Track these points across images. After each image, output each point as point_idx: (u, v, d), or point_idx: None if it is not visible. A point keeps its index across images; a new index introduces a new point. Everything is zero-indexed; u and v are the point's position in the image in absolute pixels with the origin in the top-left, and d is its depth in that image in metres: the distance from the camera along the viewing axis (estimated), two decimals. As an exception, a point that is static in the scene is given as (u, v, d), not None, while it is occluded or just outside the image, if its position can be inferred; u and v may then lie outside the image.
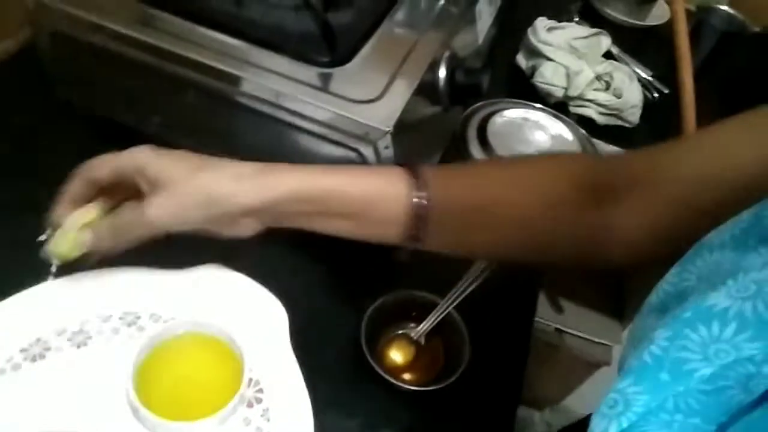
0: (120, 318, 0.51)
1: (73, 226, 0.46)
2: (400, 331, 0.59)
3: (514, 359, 0.61)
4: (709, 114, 0.79)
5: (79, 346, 0.49)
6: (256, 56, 0.56)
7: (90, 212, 0.47)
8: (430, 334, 0.58)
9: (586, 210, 0.49)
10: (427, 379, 0.55)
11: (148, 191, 0.44)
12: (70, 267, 0.49)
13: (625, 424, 0.32)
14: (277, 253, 0.63)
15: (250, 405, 0.50)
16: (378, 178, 0.48)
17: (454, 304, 0.57)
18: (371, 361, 0.53)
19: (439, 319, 0.57)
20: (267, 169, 0.45)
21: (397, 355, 0.57)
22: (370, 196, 0.47)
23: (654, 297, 0.36)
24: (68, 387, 0.46)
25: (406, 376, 0.56)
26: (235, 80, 0.55)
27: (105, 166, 0.46)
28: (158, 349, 0.48)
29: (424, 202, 0.47)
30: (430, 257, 0.66)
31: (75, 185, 0.47)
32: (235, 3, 0.61)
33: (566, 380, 1.51)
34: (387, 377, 0.52)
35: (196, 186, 0.43)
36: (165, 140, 0.63)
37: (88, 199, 0.47)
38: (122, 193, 0.47)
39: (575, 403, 1.62)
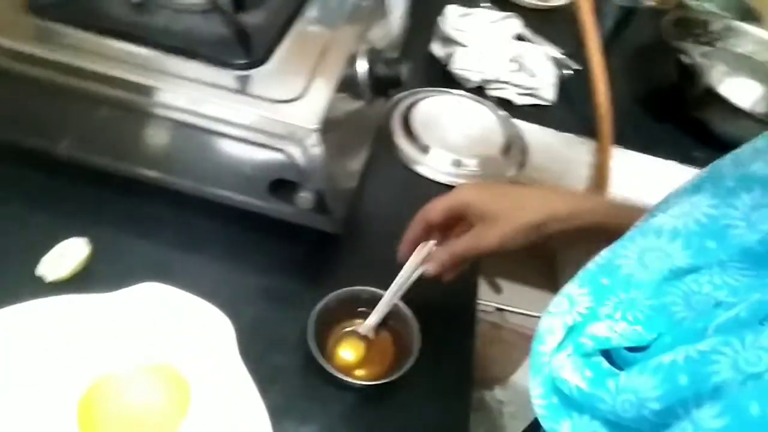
0: (51, 350, 0.48)
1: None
2: (347, 329, 0.58)
3: (462, 342, 0.62)
4: (620, 84, 0.82)
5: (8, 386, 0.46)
6: (167, 64, 0.54)
7: None
8: (379, 328, 0.58)
9: None
10: (380, 372, 0.55)
11: (475, 222, 0.53)
12: None
13: (570, 322, 0.35)
14: (208, 265, 0.61)
15: (204, 424, 0.48)
16: None
17: (398, 295, 0.56)
18: (322, 361, 0.52)
19: (385, 312, 0.57)
20: (573, 193, 0.56)
21: (347, 353, 0.57)
22: None
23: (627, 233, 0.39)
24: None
25: (359, 372, 0.56)
26: (148, 91, 0.53)
27: (438, 208, 0.54)
28: (101, 382, 0.45)
29: None
30: (368, 253, 0.67)
31: (414, 229, 0.56)
32: (136, 11, 0.58)
33: (512, 357, 1.55)
34: (339, 375, 0.52)
35: (523, 217, 0.51)
36: (78, 161, 0.61)
37: (425, 238, 0.56)
38: (450, 228, 0.57)
39: (524, 378, 1.67)
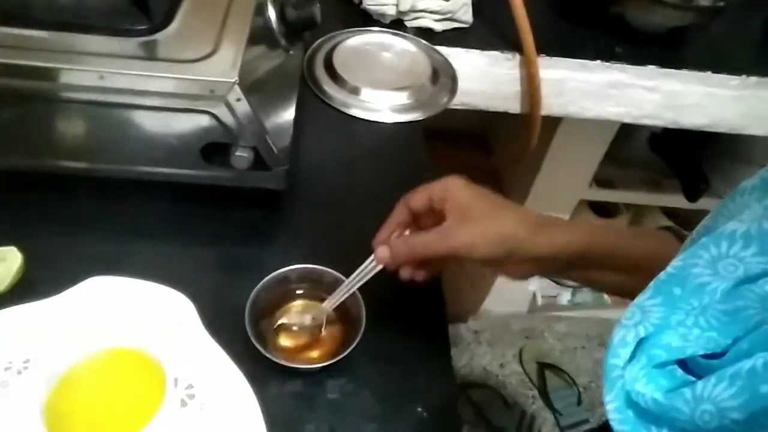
0: (5, 369, 0.46)
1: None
2: (282, 321, 0.55)
3: (431, 294, 0.61)
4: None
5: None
6: (63, 43, 0.50)
7: None
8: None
9: None
10: (332, 349, 0.53)
11: (450, 215, 0.49)
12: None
13: (642, 333, 0.34)
14: (157, 248, 0.59)
15: (184, 404, 0.47)
16: (652, 239, 0.50)
17: (358, 284, 0.53)
18: (263, 350, 0.50)
19: (341, 299, 0.54)
20: (554, 223, 0.50)
21: (294, 334, 0.55)
22: (649, 252, 0.49)
23: (689, 239, 0.37)
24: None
25: (311, 348, 0.54)
26: (49, 74, 0.49)
27: (421, 193, 0.51)
28: (65, 379, 0.43)
29: None
30: (318, 204, 0.66)
31: (395, 215, 0.53)
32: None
33: (479, 286, 1.58)
34: (284, 362, 0.50)
35: (497, 225, 0.48)
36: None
37: (407, 224, 0.53)
38: (424, 220, 0.53)
39: (493, 304, 1.71)
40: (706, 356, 0.33)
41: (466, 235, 0.48)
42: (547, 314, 1.79)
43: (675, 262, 0.33)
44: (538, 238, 0.48)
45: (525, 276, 0.51)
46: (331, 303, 0.54)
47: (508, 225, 0.48)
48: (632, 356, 0.34)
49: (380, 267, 0.52)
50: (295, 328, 0.55)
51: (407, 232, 0.53)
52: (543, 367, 1.67)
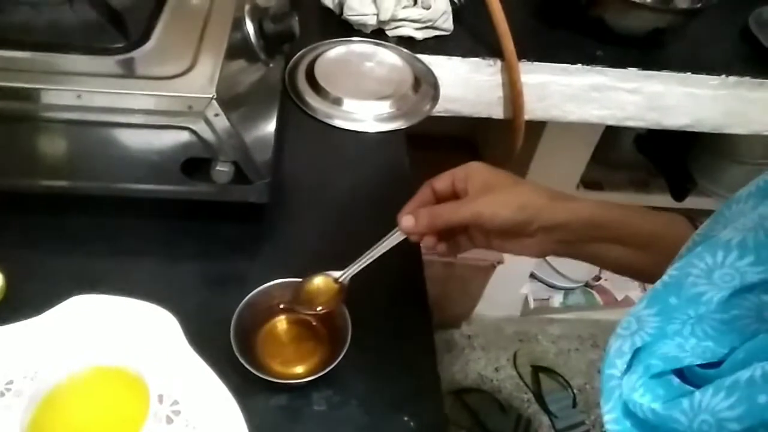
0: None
1: None
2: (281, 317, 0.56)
3: (414, 285, 0.62)
4: (511, 3, 0.82)
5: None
6: (40, 63, 0.50)
7: None
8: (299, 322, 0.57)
9: None
10: (317, 362, 0.54)
11: (472, 192, 0.52)
12: None
13: (639, 343, 0.34)
14: (140, 265, 0.59)
15: (169, 421, 0.46)
16: (662, 216, 0.51)
17: (379, 252, 0.54)
18: (249, 366, 0.50)
19: (364, 265, 0.54)
20: (569, 194, 0.52)
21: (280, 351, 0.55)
22: (659, 231, 0.49)
23: (684, 246, 0.37)
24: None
25: (306, 363, 0.54)
26: (26, 95, 0.49)
27: (446, 177, 0.54)
28: (49, 398, 0.43)
29: None
30: (302, 215, 0.66)
31: (423, 192, 0.55)
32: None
33: (469, 291, 1.58)
34: (269, 378, 0.50)
35: (518, 193, 0.50)
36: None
37: (431, 203, 0.54)
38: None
39: (485, 309, 1.71)
40: (703, 366, 0.33)
41: (488, 201, 0.50)
42: (539, 317, 1.80)
43: (671, 271, 0.33)
44: (555, 205, 0.50)
45: (539, 251, 0.52)
46: (348, 273, 0.54)
47: (527, 194, 0.50)
48: (629, 366, 0.34)
49: (403, 237, 0.53)
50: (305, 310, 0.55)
51: None
52: (537, 370, 1.68)
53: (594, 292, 1.81)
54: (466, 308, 1.69)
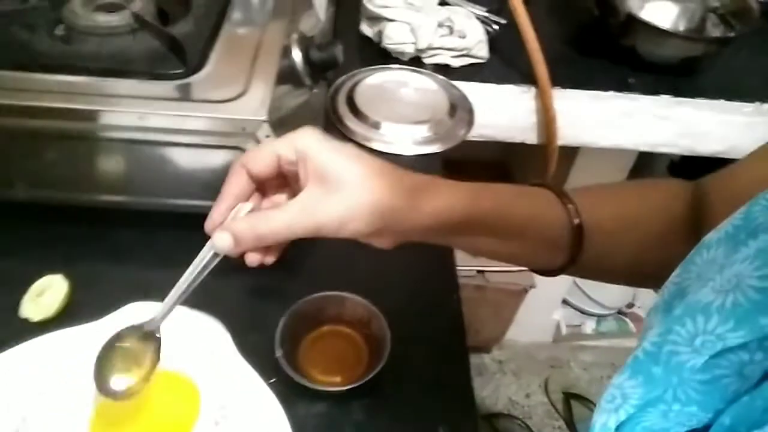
0: (56, 385, 0.49)
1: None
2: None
3: (451, 310, 0.63)
4: (546, 29, 0.85)
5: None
6: (107, 87, 0.55)
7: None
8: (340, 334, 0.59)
9: (694, 227, 0.48)
10: (355, 373, 0.55)
11: (306, 182, 0.41)
12: None
13: (623, 417, 0.33)
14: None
15: (217, 424, 0.49)
16: (534, 199, 0.47)
17: (194, 283, 0.47)
18: (292, 373, 0.52)
19: (174, 304, 0.47)
20: (432, 184, 0.43)
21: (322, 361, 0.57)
22: (533, 215, 0.46)
23: (660, 296, 0.36)
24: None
25: (346, 373, 0.56)
26: (94, 116, 0.53)
27: (266, 155, 0.42)
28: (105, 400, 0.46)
29: (579, 222, 0.46)
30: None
31: (236, 180, 0.43)
32: (63, 42, 0.58)
33: (502, 315, 1.58)
34: (311, 385, 0.52)
35: (369, 195, 0.40)
36: (38, 200, 0.61)
37: (249, 195, 0.44)
38: (269, 186, 0.45)
39: (517, 334, 1.71)
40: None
41: (333, 209, 0.39)
42: (572, 343, 1.79)
43: (652, 338, 0.32)
44: (417, 206, 0.41)
45: (393, 244, 0.44)
46: (162, 312, 0.47)
47: (382, 193, 0.40)
48: None
49: (221, 256, 0.43)
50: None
51: (247, 207, 0.44)
52: (569, 397, 1.66)
53: (627, 320, 1.79)
54: (497, 333, 1.69)
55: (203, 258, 0.44)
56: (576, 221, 0.47)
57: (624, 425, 0.33)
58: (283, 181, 0.44)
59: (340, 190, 0.40)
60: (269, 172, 0.43)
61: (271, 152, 0.42)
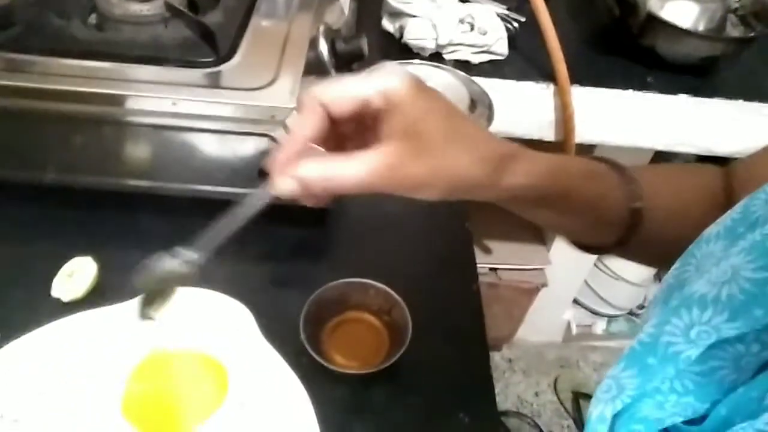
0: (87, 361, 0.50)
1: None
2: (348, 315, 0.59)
3: (470, 300, 0.64)
4: (566, 27, 0.86)
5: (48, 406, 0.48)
6: (140, 73, 0.56)
7: None
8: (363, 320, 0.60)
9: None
10: (376, 356, 0.56)
11: (389, 134, 0.36)
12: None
13: (619, 407, 0.33)
14: (215, 262, 0.63)
15: (242, 404, 0.50)
16: (601, 181, 0.46)
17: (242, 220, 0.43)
18: (316, 355, 0.53)
19: (222, 237, 0.45)
20: (513, 159, 0.40)
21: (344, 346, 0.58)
22: (600, 198, 0.45)
23: (660, 288, 0.37)
24: None
25: (355, 356, 0.57)
26: (125, 101, 0.55)
27: (351, 96, 0.36)
28: (138, 374, 0.47)
29: (639, 206, 0.46)
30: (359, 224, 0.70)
31: (313, 117, 0.37)
32: (98, 30, 0.60)
33: (513, 313, 1.59)
34: (333, 368, 0.53)
35: (452, 163, 0.37)
36: (67, 184, 0.62)
37: (322, 138, 0.38)
38: (344, 129, 0.39)
39: (527, 333, 1.71)
40: (686, 422, 0.33)
41: (416, 172, 0.37)
42: (582, 344, 1.79)
43: (648, 329, 0.32)
44: (496, 182, 0.39)
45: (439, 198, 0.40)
46: (201, 247, 0.46)
47: (467, 167, 0.38)
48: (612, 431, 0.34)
49: (271, 199, 0.40)
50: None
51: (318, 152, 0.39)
52: (578, 396, 1.66)
53: (637, 320, 1.79)
54: (507, 331, 1.69)
55: (256, 199, 0.41)
56: (636, 204, 0.45)
57: (620, 415, 0.33)
58: (361, 128, 0.39)
59: (427, 154, 0.37)
60: (350, 113, 0.37)
61: (356, 95, 0.37)
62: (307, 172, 0.37)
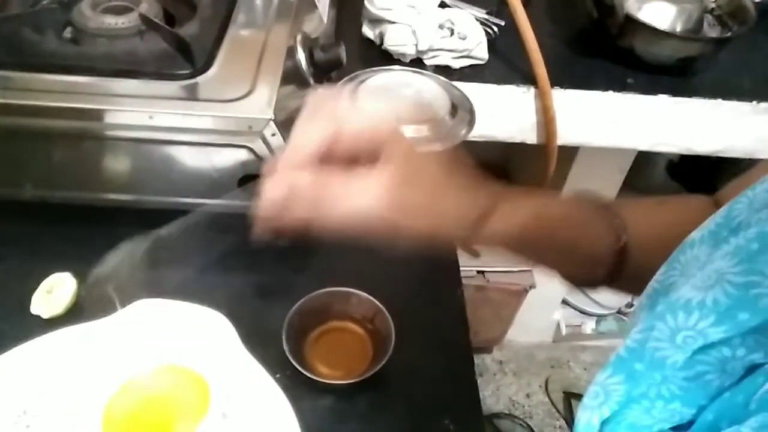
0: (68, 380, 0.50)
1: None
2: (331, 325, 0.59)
3: (454, 305, 0.65)
4: (544, 30, 0.86)
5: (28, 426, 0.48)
6: (116, 87, 0.56)
7: None
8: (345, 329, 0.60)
9: None
10: (359, 366, 0.56)
11: (387, 161, 0.38)
12: None
13: (607, 414, 0.33)
14: (196, 274, 0.63)
15: (224, 417, 0.50)
16: (583, 220, 0.47)
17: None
18: (299, 366, 0.53)
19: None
20: (491, 211, 0.43)
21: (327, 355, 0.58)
22: (582, 237, 0.46)
23: (645, 294, 0.37)
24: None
25: (339, 366, 0.57)
26: (102, 116, 0.54)
27: (355, 130, 0.38)
28: (118, 391, 0.47)
29: (624, 243, 0.46)
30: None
31: (322, 133, 0.38)
32: (72, 43, 0.60)
33: (502, 315, 1.59)
34: (318, 379, 0.53)
35: (437, 212, 0.41)
36: (46, 199, 0.62)
37: (322, 155, 0.37)
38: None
39: (517, 334, 1.71)
40: (674, 427, 0.33)
41: (410, 200, 0.39)
42: (572, 344, 1.79)
43: (634, 335, 0.33)
44: (474, 237, 0.42)
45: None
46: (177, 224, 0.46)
47: (448, 217, 0.41)
48: None
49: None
50: None
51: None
52: (569, 396, 1.67)
53: (626, 319, 1.80)
54: (497, 333, 1.69)
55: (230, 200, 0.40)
56: (621, 242, 0.46)
57: (608, 422, 0.34)
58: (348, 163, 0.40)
59: (416, 186, 0.40)
60: (354, 146, 0.39)
61: (361, 129, 0.39)
62: (301, 179, 0.37)
